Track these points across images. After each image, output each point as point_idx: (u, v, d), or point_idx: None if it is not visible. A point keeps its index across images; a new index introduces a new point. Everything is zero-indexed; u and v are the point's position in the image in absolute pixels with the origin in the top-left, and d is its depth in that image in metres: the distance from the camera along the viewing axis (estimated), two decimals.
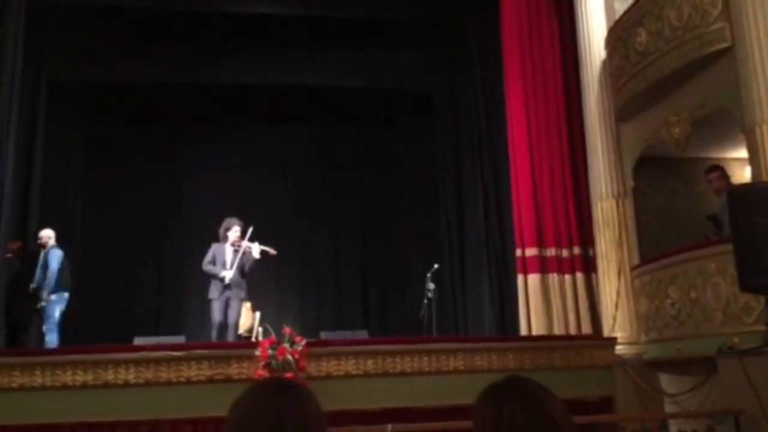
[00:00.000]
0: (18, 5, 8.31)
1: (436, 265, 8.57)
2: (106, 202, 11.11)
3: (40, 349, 7.92)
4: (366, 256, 11.91)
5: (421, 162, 11.41)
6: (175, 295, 11.21)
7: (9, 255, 8.36)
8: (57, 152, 10.23)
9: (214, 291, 7.83)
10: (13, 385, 6.06)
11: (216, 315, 7.83)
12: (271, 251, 7.93)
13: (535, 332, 7.59)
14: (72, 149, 10.86)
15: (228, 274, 7.79)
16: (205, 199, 11.23)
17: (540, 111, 8.17)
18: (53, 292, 8.27)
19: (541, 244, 7.90)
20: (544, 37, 8.29)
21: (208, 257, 7.95)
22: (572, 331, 7.61)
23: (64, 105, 10.28)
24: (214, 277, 7.87)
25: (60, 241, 9.20)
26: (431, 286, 8.29)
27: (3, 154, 8.00)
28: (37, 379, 6.12)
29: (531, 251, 7.88)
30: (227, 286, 7.77)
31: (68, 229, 10.51)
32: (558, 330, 7.62)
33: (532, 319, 7.70)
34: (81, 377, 6.18)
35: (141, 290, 11.22)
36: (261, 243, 7.96)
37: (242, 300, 7.97)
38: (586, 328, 7.59)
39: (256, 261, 7.89)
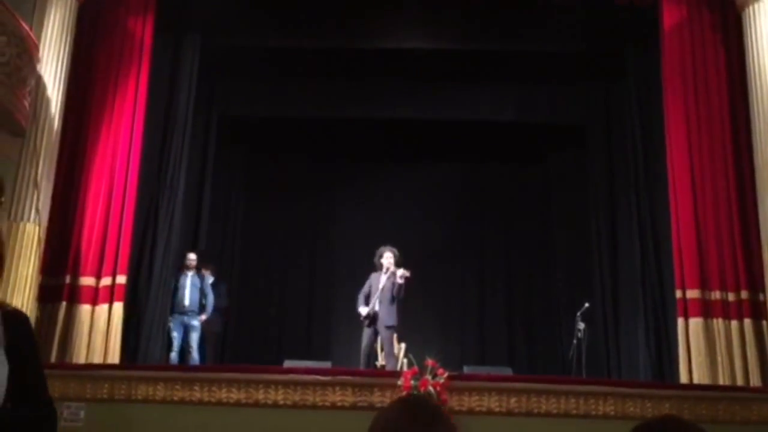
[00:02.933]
0: (193, 47, 9.07)
1: (586, 304, 8.25)
2: (263, 230, 11.71)
3: (200, 365, 8.44)
4: (513, 291, 11.67)
5: (572, 197, 11.05)
6: (324, 320, 11.55)
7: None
8: (222, 182, 10.96)
9: (365, 321, 8.05)
10: (174, 398, 6.48)
11: (364, 342, 8.02)
12: (406, 273, 8.00)
13: (696, 381, 7.06)
14: (236, 180, 11.60)
15: (363, 311, 7.99)
16: (354, 232, 11.54)
17: (704, 145, 7.71)
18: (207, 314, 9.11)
19: (704, 286, 7.40)
20: (709, 66, 7.85)
21: (365, 287, 8.23)
22: (739, 381, 7.01)
23: (231, 138, 11.02)
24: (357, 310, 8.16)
25: (221, 266, 9.94)
26: (581, 325, 7.98)
27: (175, 185, 8.69)
28: (196, 394, 6.51)
29: (693, 293, 7.38)
30: (375, 316, 7.93)
31: (228, 254, 11.20)
32: (723, 380, 7.05)
33: (693, 367, 7.17)
34: (235, 395, 6.50)
35: (294, 315, 11.66)
36: (406, 270, 8.06)
37: (391, 328, 8.02)
38: (755, 380, 6.97)
39: (400, 285, 7.98)
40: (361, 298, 8.19)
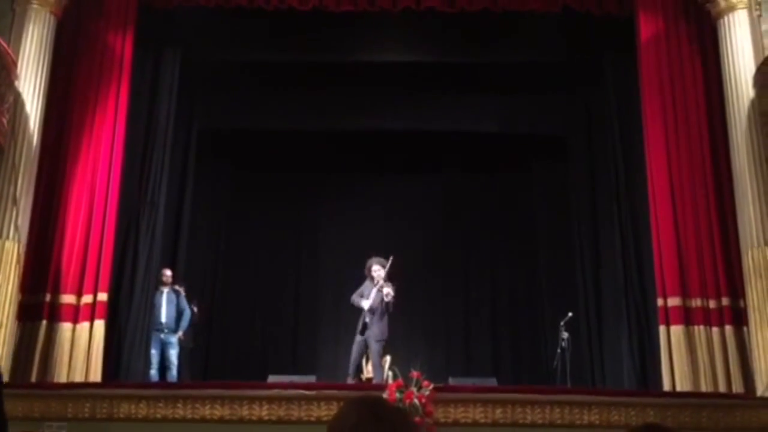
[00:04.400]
0: (173, 61, 9.04)
1: (570, 314, 8.28)
2: (247, 244, 11.64)
3: (183, 382, 8.36)
4: (497, 302, 11.68)
5: (555, 207, 11.10)
6: (309, 334, 11.49)
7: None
8: (204, 197, 10.90)
9: (358, 328, 8.04)
10: (157, 416, 6.42)
11: (354, 353, 8.01)
12: (391, 292, 8.00)
13: (679, 388, 7.10)
14: (218, 194, 11.53)
15: (366, 303, 7.97)
16: (339, 244, 11.53)
17: (683, 154, 7.79)
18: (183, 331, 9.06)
19: (684, 294, 7.46)
20: (686, 77, 7.95)
21: (357, 291, 8.24)
22: (721, 388, 7.06)
23: (212, 152, 10.97)
24: (358, 306, 8.10)
25: (204, 280, 9.82)
26: (565, 335, 8.02)
27: (156, 199, 8.63)
28: (179, 411, 6.45)
29: (674, 301, 7.44)
30: (366, 326, 7.91)
31: (211, 268, 11.13)
32: (706, 387, 7.10)
33: (676, 374, 7.22)
34: (218, 411, 6.46)
35: (278, 329, 11.59)
36: (393, 284, 8.05)
37: (381, 341, 8.01)
38: (738, 386, 7.02)
39: (388, 304, 7.99)
40: (356, 298, 8.17)
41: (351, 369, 7.99)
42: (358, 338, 8.03)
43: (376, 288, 8.06)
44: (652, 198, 7.80)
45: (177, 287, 9.23)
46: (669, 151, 7.80)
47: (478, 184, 12.07)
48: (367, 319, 7.96)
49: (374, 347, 7.93)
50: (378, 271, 8.13)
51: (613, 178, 9.22)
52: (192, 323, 9.38)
